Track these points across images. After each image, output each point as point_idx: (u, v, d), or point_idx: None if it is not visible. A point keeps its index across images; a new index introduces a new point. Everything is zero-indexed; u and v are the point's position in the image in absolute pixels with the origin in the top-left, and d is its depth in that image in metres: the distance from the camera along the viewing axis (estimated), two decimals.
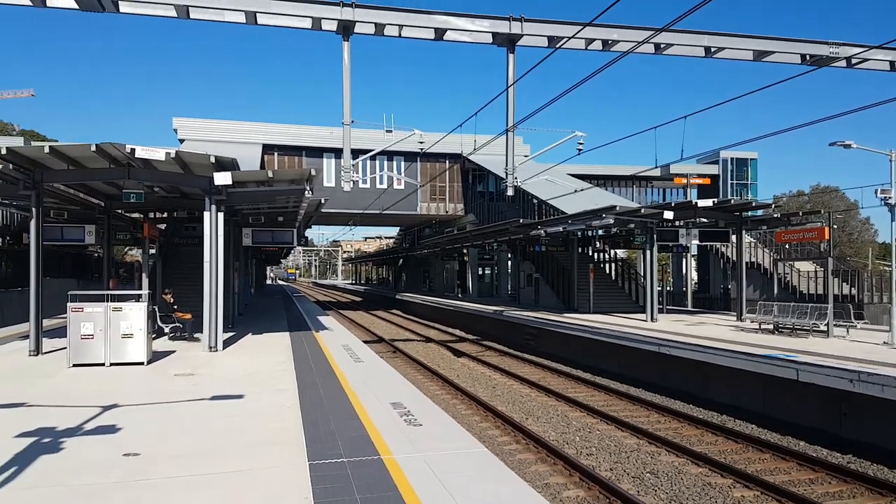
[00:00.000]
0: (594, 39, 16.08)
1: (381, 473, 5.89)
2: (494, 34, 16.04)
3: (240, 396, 9.63)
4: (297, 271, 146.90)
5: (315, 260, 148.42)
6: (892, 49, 20.22)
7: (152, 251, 23.25)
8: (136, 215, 24.27)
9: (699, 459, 10.49)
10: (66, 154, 13.64)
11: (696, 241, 23.60)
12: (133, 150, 13.17)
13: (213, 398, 9.52)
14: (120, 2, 16.25)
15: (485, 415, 13.75)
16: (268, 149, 40.49)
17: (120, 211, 22.09)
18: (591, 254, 31.06)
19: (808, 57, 19.20)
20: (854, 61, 20.26)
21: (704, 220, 22.62)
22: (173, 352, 14.80)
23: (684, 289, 35.27)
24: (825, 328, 17.16)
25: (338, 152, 41.35)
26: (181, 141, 39.11)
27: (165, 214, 25.29)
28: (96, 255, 40.73)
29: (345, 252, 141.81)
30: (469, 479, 5.76)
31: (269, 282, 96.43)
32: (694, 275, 40.25)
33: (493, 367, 20.26)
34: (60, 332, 15.08)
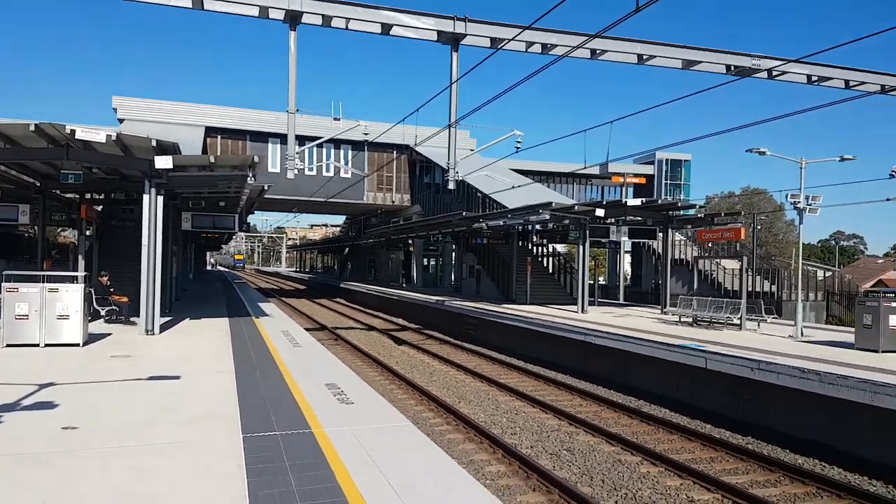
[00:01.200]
0: (534, 42, 16.84)
1: (310, 444, 6.40)
2: (439, 32, 16.56)
3: (177, 377, 9.88)
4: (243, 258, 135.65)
5: (258, 246, 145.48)
6: (809, 63, 21.85)
7: (88, 233, 22.72)
8: (71, 196, 23.68)
9: (613, 439, 11.38)
10: (2, 132, 13.39)
11: (625, 238, 24.90)
12: (73, 132, 13.08)
13: (150, 378, 9.75)
14: None
15: (420, 398, 14.38)
16: (211, 132, 39.76)
17: (56, 191, 21.54)
18: (529, 247, 32.14)
19: (732, 67, 20.55)
20: (774, 73, 21.78)
21: (635, 217, 23.90)
22: (109, 334, 14.77)
23: (617, 283, 36.90)
24: (738, 321, 18.54)
25: (283, 138, 40.74)
26: (121, 121, 37.98)
27: (102, 196, 24.72)
28: (26, 234, 39.12)
29: (289, 239, 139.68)
30: (392, 448, 6.34)
31: (208, 267, 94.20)
32: (628, 270, 42.10)
33: (432, 354, 20.93)
34: None
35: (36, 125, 12.97)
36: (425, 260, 45.37)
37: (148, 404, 8.06)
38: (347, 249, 68.16)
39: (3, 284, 12.66)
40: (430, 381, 16.53)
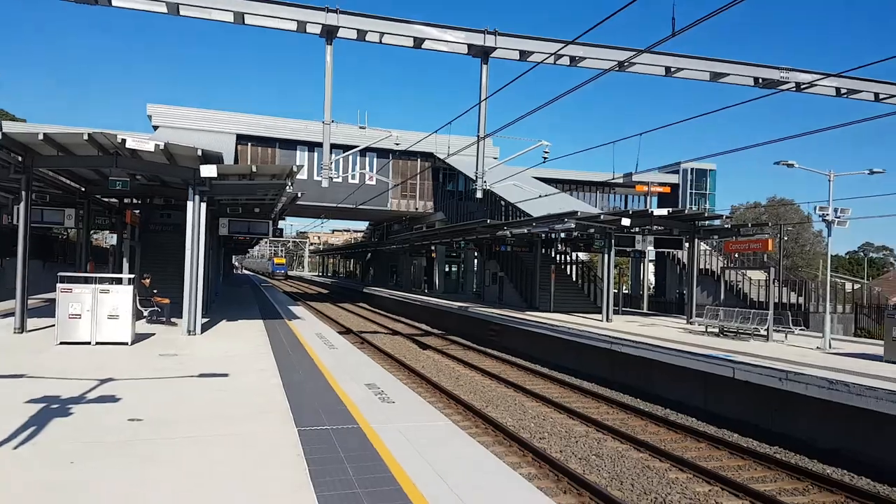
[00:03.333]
0: (562, 55, 17.22)
1: (360, 437, 6.85)
2: (469, 46, 17.03)
3: (225, 375, 10.41)
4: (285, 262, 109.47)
5: (281, 251, 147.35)
6: (838, 76, 21.89)
7: (125, 237, 23.59)
8: (109, 201, 24.59)
9: (641, 446, 11.62)
10: (57, 141, 14.14)
11: (651, 248, 25.04)
12: (124, 141, 13.74)
13: (201, 375, 10.29)
14: None
15: (448, 402, 14.76)
16: (241, 139, 40.73)
17: (98, 196, 22.43)
18: (553, 255, 32.40)
19: (760, 80, 20.70)
20: (802, 86, 21.86)
21: (660, 227, 24.06)
22: (153, 334, 15.42)
23: (641, 292, 36.90)
24: (765, 332, 18.62)
25: (310, 145, 42.05)
26: (155, 128, 39.12)
27: (139, 201, 25.61)
28: (60, 237, 40.38)
29: (311, 244, 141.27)
30: (436, 444, 6.76)
31: (235, 272, 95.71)
32: (652, 279, 42.03)
33: (456, 359, 21.31)
34: (34, 311, 15.48)
35: (89, 134, 13.67)
36: (447, 266, 45.80)
37: (203, 399, 8.58)
38: (370, 255, 68.89)
39: (58, 285, 13.39)
40: (457, 386, 16.90)
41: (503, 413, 13.96)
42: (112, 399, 8.41)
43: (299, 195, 19.39)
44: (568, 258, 33.79)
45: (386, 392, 9.36)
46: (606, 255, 23.12)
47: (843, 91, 21.77)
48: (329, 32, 16.45)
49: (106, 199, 23.99)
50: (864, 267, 75.94)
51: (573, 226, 21.56)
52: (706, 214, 24.94)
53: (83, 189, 20.35)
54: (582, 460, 10.85)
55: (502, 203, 34.38)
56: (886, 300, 35.24)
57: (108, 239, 30.46)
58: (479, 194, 18.42)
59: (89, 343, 13.02)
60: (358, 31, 16.50)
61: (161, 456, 6.13)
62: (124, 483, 5.37)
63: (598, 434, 12.49)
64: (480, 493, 5.39)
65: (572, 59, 17.47)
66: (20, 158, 14.69)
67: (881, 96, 22.59)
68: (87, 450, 6.21)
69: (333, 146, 27.36)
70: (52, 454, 6.04)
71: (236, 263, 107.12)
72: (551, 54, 16.72)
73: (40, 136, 13.34)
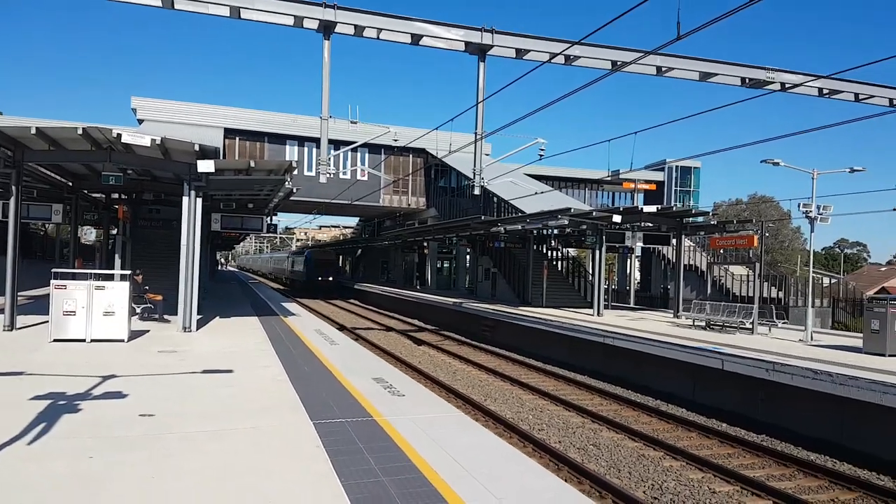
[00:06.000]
0: (557, 54, 17.43)
1: (376, 429, 7.01)
2: (467, 43, 17.17)
3: (229, 371, 10.46)
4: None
5: (267, 247, 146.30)
6: (822, 77, 22.40)
7: (116, 232, 23.38)
8: (97, 196, 24.33)
9: (635, 435, 11.94)
10: (49, 135, 14.02)
11: (640, 244, 25.45)
12: (119, 135, 13.68)
13: (205, 372, 10.33)
14: None
15: (447, 396, 14.92)
16: (229, 133, 40.37)
17: (85, 191, 22.20)
18: (545, 251, 32.72)
19: (747, 80, 21.11)
20: (787, 86, 22.34)
21: (649, 224, 24.45)
22: (147, 331, 15.34)
23: (628, 287, 37.43)
24: (750, 326, 19.06)
25: (301, 140, 41.85)
26: (140, 121, 38.66)
27: (126, 197, 25.38)
28: (40, 233, 39.81)
29: (298, 240, 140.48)
30: (452, 434, 6.96)
31: (219, 267, 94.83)
32: (637, 275, 42.60)
33: (452, 354, 21.51)
34: (19, 308, 15.23)
35: (84, 128, 13.57)
36: (439, 262, 45.92)
37: (212, 395, 8.65)
38: (360, 251, 68.61)
39: (52, 282, 13.30)
40: (455, 380, 17.10)
41: (502, 406, 14.20)
42: (119, 395, 8.43)
43: (294, 190, 19.40)
44: (559, 254, 34.16)
45: (395, 386, 9.52)
46: (598, 251, 23.46)
47: (825, 91, 22.29)
48: (326, 28, 16.47)
49: (94, 195, 23.76)
50: (839, 262, 77.49)
51: (566, 222, 21.84)
52: (693, 211, 25.39)
53: (71, 184, 20.14)
54: (581, 450, 11.12)
55: (494, 199, 34.59)
56: (862, 294, 36.12)
57: (87, 234, 30.00)
58: (476, 191, 18.61)
59: (84, 340, 12.94)
60: (356, 26, 16.55)
61: (179, 449, 6.21)
62: (147, 474, 5.44)
63: (594, 425, 12.78)
64: (500, 479, 5.59)
65: (567, 58, 17.70)
66: (10, 153, 14.54)
67: (861, 97, 23.19)
68: (103, 444, 6.24)
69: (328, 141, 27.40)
70: (68, 448, 6.06)
71: (221, 260, 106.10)
72: (539, 52, 17.00)
73: (32, 131, 13.19)
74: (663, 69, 19.01)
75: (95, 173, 18.13)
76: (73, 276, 14.32)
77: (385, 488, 5.24)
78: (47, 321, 13.17)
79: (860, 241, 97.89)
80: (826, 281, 38.38)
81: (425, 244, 43.74)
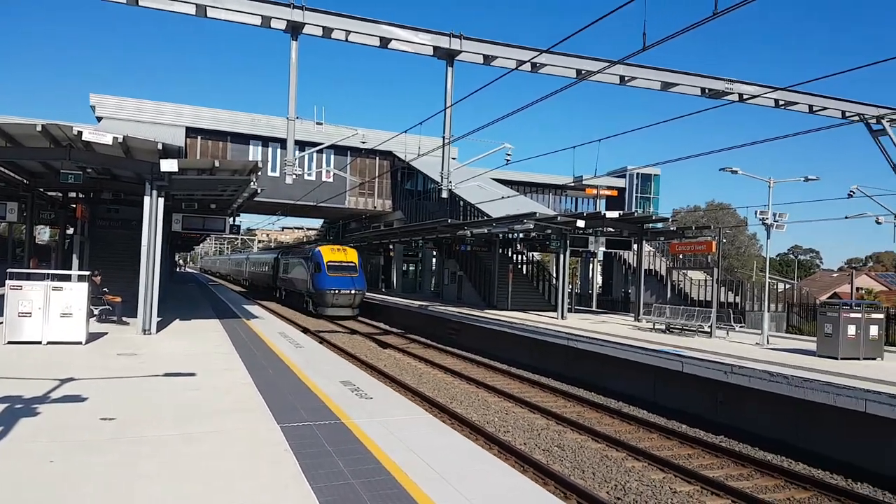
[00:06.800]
0: (524, 61, 17.67)
1: (344, 432, 7.00)
2: (435, 48, 17.25)
3: (192, 374, 10.29)
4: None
5: (228, 248, 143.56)
6: (778, 88, 23.21)
7: (72, 232, 22.71)
8: (54, 194, 23.59)
9: (598, 437, 12.17)
10: (6, 132, 13.58)
11: (602, 248, 25.94)
12: (80, 133, 13.35)
13: (166, 375, 10.13)
14: None
15: (414, 399, 14.90)
16: (191, 132, 39.61)
17: (41, 189, 21.51)
18: (511, 255, 33.04)
19: (706, 90, 21.72)
20: (745, 97, 23.07)
21: (611, 229, 24.93)
22: (106, 333, 14.96)
23: (590, 291, 38.05)
24: (709, 329, 19.61)
25: (265, 140, 41.31)
26: (99, 119, 37.60)
27: (82, 196, 24.68)
28: None
29: (260, 242, 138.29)
30: (420, 436, 7.00)
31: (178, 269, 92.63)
32: (599, 279, 43.33)
33: (418, 357, 21.52)
34: None
35: (43, 125, 13.20)
36: (405, 265, 45.86)
37: (175, 398, 8.50)
38: None
39: (7, 282, 12.86)
40: (421, 383, 17.12)
41: (468, 409, 14.28)
42: (78, 399, 8.23)
43: (259, 191, 19.18)
44: (524, 258, 34.52)
45: (362, 389, 9.50)
46: (562, 255, 23.81)
47: (781, 103, 23.07)
48: (294, 28, 16.32)
49: (50, 193, 23.03)
50: (793, 268, 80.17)
51: (532, 226, 22.11)
52: (654, 217, 26.00)
53: (27, 182, 19.51)
54: (545, 451, 11.28)
55: (461, 203, 34.72)
56: (815, 300, 37.48)
57: (41, 234, 28.97)
58: (444, 194, 18.69)
59: (40, 343, 12.55)
60: (324, 28, 16.44)
61: (142, 452, 6.09)
62: (111, 479, 5.33)
63: (559, 426, 12.97)
64: (469, 480, 5.66)
65: (534, 65, 17.95)
66: None
67: (814, 108, 24.10)
68: (64, 448, 6.10)
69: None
70: (27, 453, 5.91)
71: (180, 262, 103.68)
72: (506, 59, 17.23)
73: None
74: (627, 78, 19.43)
75: (53, 171, 17.60)
76: (29, 277, 13.89)
77: (355, 490, 5.25)
78: (1, 322, 12.70)
79: (813, 248, 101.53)
80: (781, 286, 39.70)
81: (391, 247, 43.61)
